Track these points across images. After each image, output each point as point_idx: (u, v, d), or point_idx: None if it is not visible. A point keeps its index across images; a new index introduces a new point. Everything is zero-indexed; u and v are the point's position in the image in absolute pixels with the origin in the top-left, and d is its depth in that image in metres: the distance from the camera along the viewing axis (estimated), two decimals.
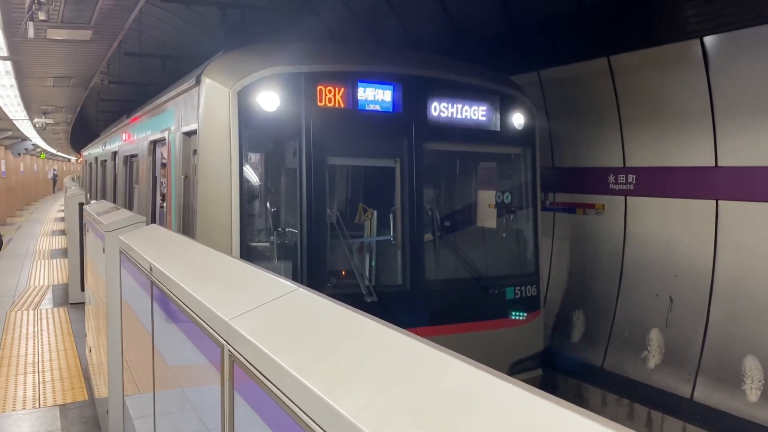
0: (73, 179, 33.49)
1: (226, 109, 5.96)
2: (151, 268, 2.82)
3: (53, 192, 58.16)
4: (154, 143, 9.37)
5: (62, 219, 27.95)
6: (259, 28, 12.84)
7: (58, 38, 7.84)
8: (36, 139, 33.74)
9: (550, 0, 8.50)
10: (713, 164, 7.01)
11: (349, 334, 1.44)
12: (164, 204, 9.21)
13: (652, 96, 7.64)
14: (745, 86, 6.59)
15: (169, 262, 2.67)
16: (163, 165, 8.98)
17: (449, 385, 1.07)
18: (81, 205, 10.99)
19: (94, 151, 21.98)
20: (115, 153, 14.74)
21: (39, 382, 7.06)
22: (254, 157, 6.49)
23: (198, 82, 6.41)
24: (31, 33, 6.66)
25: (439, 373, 1.12)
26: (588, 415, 0.86)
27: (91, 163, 23.23)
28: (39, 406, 6.38)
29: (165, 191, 8.88)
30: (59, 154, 60.35)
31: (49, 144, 42.05)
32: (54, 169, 62.82)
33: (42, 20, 6.13)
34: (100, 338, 5.51)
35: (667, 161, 7.58)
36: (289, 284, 1.91)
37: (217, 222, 6.05)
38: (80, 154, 38.63)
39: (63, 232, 22.68)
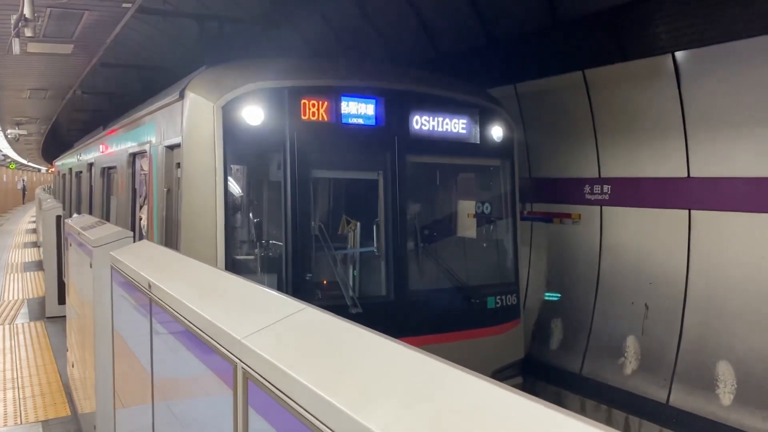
0: (45, 190, 32.96)
1: (211, 124, 6.01)
2: (150, 286, 2.87)
3: (23, 203, 57.13)
4: (134, 156, 9.34)
5: (34, 230, 27.50)
6: (237, 40, 12.87)
7: (38, 52, 7.81)
8: (7, 149, 33.16)
9: (526, 14, 8.70)
10: (686, 175, 7.23)
11: (367, 353, 1.53)
12: (143, 216, 9.19)
13: (626, 109, 7.86)
14: (715, 99, 6.82)
15: (169, 280, 2.73)
16: (143, 178, 8.96)
17: (470, 402, 1.16)
18: (59, 218, 10.89)
19: (68, 161, 21.71)
20: (91, 164, 14.60)
21: (19, 398, 6.98)
22: (239, 170, 6.53)
23: (182, 96, 6.45)
24: (16, 49, 6.64)
25: (459, 390, 1.21)
26: (604, 428, 0.96)
27: (64, 174, 22.93)
28: (21, 422, 6.32)
29: (145, 204, 8.86)
30: (30, 164, 59.34)
31: (19, 154, 41.37)
32: (23, 180, 61.73)
33: (29, 36, 6.12)
34: (85, 353, 5.50)
35: (641, 172, 7.80)
36: (297, 303, 1.99)
37: (202, 235, 6.08)
38: (52, 164, 38.05)
39: (36, 244, 22.34)
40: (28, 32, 6.00)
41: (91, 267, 4.85)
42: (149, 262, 3.30)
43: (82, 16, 6.78)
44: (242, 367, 1.81)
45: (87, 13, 6.74)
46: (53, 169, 39.83)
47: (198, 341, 2.21)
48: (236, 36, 13.05)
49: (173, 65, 16.59)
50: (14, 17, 5.95)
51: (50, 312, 10.90)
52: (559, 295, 7.66)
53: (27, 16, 5.63)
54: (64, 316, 10.74)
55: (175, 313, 2.45)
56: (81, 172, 16.80)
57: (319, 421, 1.35)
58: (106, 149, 12.19)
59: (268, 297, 2.17)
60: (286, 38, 13.27)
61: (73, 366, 6.70)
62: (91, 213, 13.63)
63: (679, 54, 7.03)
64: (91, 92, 17.88)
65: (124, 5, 6.62)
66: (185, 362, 2.48)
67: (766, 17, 6.13)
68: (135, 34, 15.25)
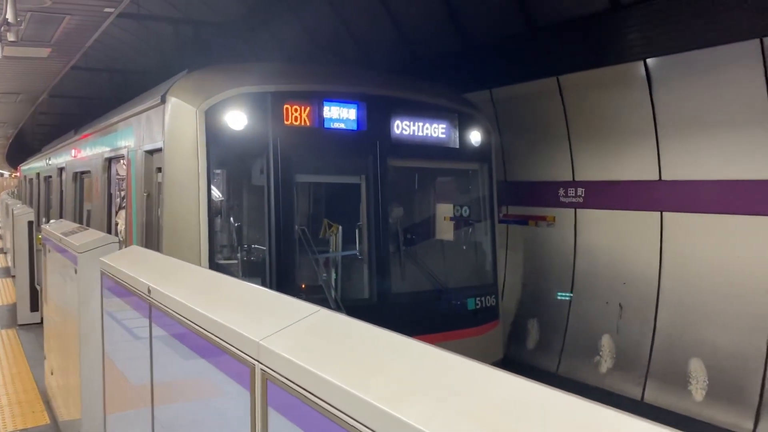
0: (10, 194, 32.24)
1: (194, 128, 6.01)
2: (149, 291, 2.89)
3: None
4: (110, 160, 9.25)
5: None
6: (214, 44, 12.83)
7: (14, 55, 7.69)
8: None
9: (501, 21, 8.87)
10: (657, 178, 7.46)
11: (392, 352, 1.60)
12: (120, 221, 9.10)
13: (599, 113, 8.07)
14: (685, 105, 7.06)
15: (171, 285, 2.76)
16: (121, 182, 8.89)
17: (502, 395, 1.25)
18: (31, 223, 10.71)
19: (36, 165, 21.30)
20: (61, 169, 14.38)
21: None
22: (222, 175, 6.54)
23: (163, 100, 6.43)
24: None
25: (489, 385, 1.29)
26: (631, 415, 1.05)
27: (31, 179, 22.49)
28: None
29: (122, 209, 8.78)
30: None
31: None
32: None
33: (11, 41, 6.03)
34: (67, 360, 5.45)
35: (614, 175, 8.01)
36: (310, 305, 2.05)
37: (185, 239, 6.07)
38: (17, 169, 37.23)
39: (2, 251, 21.85)
40: (10, 36, 5.92)
41: (75, 273, 4.82)
42: (146, 267, 3.32)
43: (62, 20, 6.71)
44: (261, 369, 1.86)
45: (68, 18, 6.68)
46: (17, 174, 38.97)
47: (207, 344, 2.25)
48: (212, 40, 13.01)
49: (146, 69, 16.43)
50: None
51: (22, 319, 10.71)
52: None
53: (9, 20, 5.56)
54: (38, 323, 10.57)
55: (181, 318, 2.48)
56: (50, 176, 16.51)
57: (352, 418, 1.41)
58: (79, 153, 12.03)
59: (279, 300, 2.22)
60: (262, 42, 13.27)
61: (52, 373, 6.62)
62: (61, 218, 13.41)
63: (650, 61, 7.25)
64: (58, 95, 17.58)
65: (106, 10, 6.58)
66: (192, 365, 2.52)
67: (727, 28, 6.38)
68: (108, 38, 15.08)
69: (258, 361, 1.88)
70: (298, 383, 1.67)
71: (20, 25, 5.98)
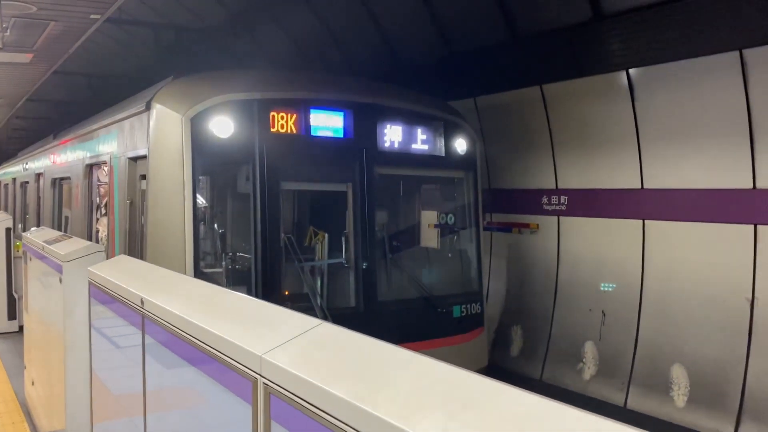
0: None
1: (179, 136, 5.97)
2: (143, 302, 2.87)
3: None
4: (91, 166, 9.15)
5: None
6: (194, 50, 12.75)
7: None
8: None
9: (486, 30, 8.95)
10: (639, 186, 7.56)
11: (397, 366, 1.61)
12: (101, 228, 9.00)
13: (582, 122, 8.16)
14: (666, 114, 7.17)
15: (165, 297, 2.74)
16: (102, 189, 8.80)
17: (513, 410, 1.26)
18: (8, 230, 10.53)
19: (11, 170, 20.98)
20: (39, 174, 14.18)
21: None
22: (207, 182, 6.50)
23: (148, 107, 6.38)
24: None
25: (499, 400, 1.30)
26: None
27: (6, 184, 22.14)
28: None
29: (103, 216, 8.69)
30: None
31: None
32: None
33: None
34: (50, 371, 5.37)
35: (596, 183, 8.10)
36: (311, 319, 2.05)
37: (170, 247, 6.02)
38: None
39: None
40: None
41: (60, 282, 4.76)
42: (137, 277, 3.29)
43: (47, 26, 6.63)
44: (263, 382, 1.86)
45: (53, 24, 6.60)
46: None
47: (206, 357, 2.24)
48: (194, 46, 12.93)
49: (126, 74, 16.28)
50: None
51: None
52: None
53: None
54: (15, 332, 10.39)
55: (178, 330, 2.47)
56: (27, 182, 16.28)
57: None
58: (58, 159, 11.88)
59: (280, 313, 2.22)
60: (245, 48, 13.22)
61: (33, 384, 6.51)
62: (39, 224, 13.22)
63: (632, 71, 7.36)
64: (38, 100, 17.35)
65: (93, 16, 6.51)
66: (188, 378, 2.50)
67: (708, 40, 6.50)
68: (88, 42, 14.94)
69: (260, 374, 1.88)
70: (303, 397, 1.67)
71: (5, 32, 5.91)
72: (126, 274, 3.41)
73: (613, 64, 7.52)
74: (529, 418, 1.22)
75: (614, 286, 7.90)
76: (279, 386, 1.78)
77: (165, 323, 2.60)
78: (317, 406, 1.60)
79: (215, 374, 2.20)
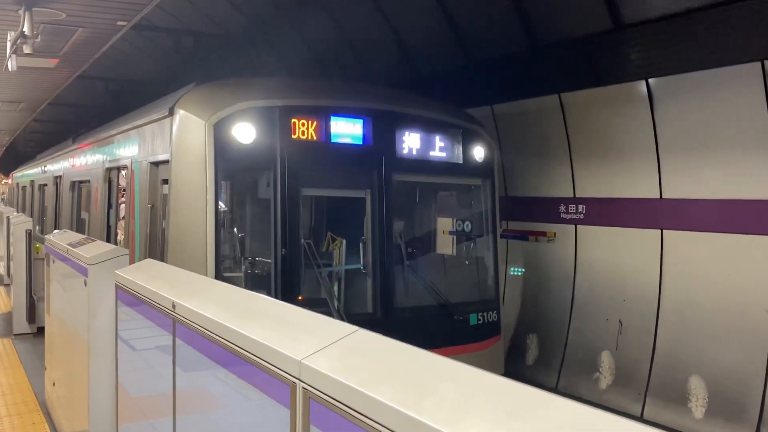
0: (1, 201, 32.03)
1: (202, 141, 6.04)
2: (174, 306, 2.92)
3: None
4: (111, 170, 9.26)
5: None
6: (213, 56, 12.86)
7: (22, 66, 7.71)
8: None
9: (504, 38, 8.98)
10: (658, 196, 7.55)
11: (440, 374, 1.63)
12: (120, 232, 9.09)
13: (600, 131, 8.16)
14: (686, 124, 7.16)
15: (197, 301, 2.78)
16: (122, 193, 8.89)
17: (559, 420, 1.28)
18: (29, 232, 10.66)
19: (30, 173, 21.23)
20: (58, 178, 14.35)
21: None
22: (229, 187, 6.57)
23: (171, 112, 6.46)
24: (13, 66, 6.55)
25: (545, 409, 1.33)
26: None
27: (24, 186, 22.40)
28: None
29: (122, 219, 8.78)
30: None
31: None
32: None
33: (27, 53, 6.06)
34: (73, 372, 5.43)
35: (615, 192, 8.10)
36: (348, 326, 2.09)
37: (191, 251, 6.09)
38: (10, 176, 37.02)
39: None
40: (26, 49, 5.95)
41: (85, 285, 4.82)
42: (167, 281, 3.34)
43: (74, 32, 6.74)
44: (303, 387, 1.89)
45: (80, 30, 6.71)
46: (9, 181, 38.74)
47: (241, 361, 2.27)
48: (213, 52, 13.04)
49: (144, 79, 16.45)
50: (12, 34, 5.89)
51: (18, 329, 10.63)
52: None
53: (26, 33, 5.59)
54: (33, 333, 10.50)
55: (211, 334, 2.51)
56: (46, 185, 16.47)
57: None
58: (78, 162, 12.02)
59: (315, 319, 2.25)
60: (263, 55, 13.32)
61: (54, 385, 6.58)
62: (57, 227, 13.37)
63: (652, 80, 7.36)
64: (56, 104, 17.56)
65: (119, 23, 6.61)
66: (222, 381, 2.54)
67: (729, 51, 6.50)
68: (110, 49, 15.13)
69: (299, 379, 1.91)
70: (344, 402, 1.70)
71: (36, 38, 6.02)
72: (155, 278, 3.46)
73: (633, 73, 7.53)
74: (576, 428, 1.24)
75: (631, 295, 7.87)
76: (319, 391, 1.81)
77: (198, 327, 2.64)
78: (359, 411, 1.63)
79: (251, 378, 2.24)
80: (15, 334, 10.59)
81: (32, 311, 10.42)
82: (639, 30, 7.29)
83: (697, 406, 6.98)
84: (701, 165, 7.08)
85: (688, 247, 7.27)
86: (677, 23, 6.85)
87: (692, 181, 7.18)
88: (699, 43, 6.77)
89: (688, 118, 7.12)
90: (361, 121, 6.62)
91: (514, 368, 9.16)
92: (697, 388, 7.00)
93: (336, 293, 6.63)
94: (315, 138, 6.38)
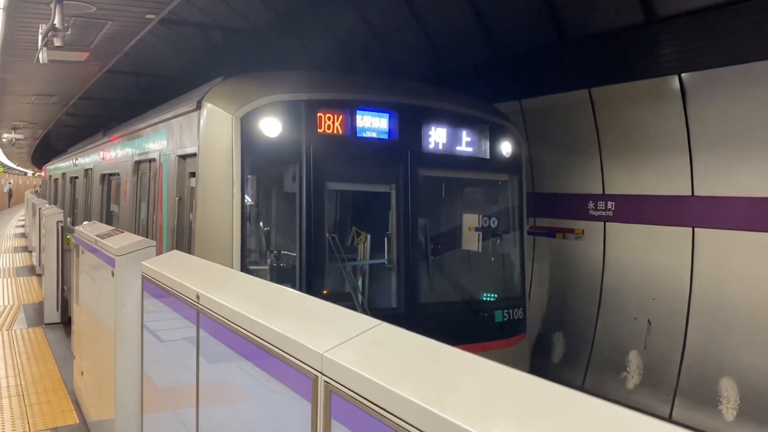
0: (34, 193, 32.71)
1: (229, 134, 6.06)
2: (198, 297, 2.92)
3: (8, 206, 56.51)
4: (140, 163, 9.36)
5: (23, 235, 27.25)
6: (241, 51, 12.92)
7: (54, 59, 7.84)
8: None
9: (533, 32, 8.86)
10: (690, 193, 7.38)
11: (464, 370, 1.60)
12: (148, 223, 9.19)
13: (631, 127, 8.01)
14: (720, 120, 6.99)
15: (221, 293, 2.78)
16: (151, 186, 8.98)
17: (588, 419, 1.24)
18: (59, 223, 10.85)
19: (61, 165, 21.61)
20: (88, 170, 14.57)
21: (26, 405, 6.95)
22: (255, 181, 6.59)
23: (199, 106, 6.50)
24: (44, 59, 6.66)
25: (574, 408, 1.28)
26: None
27: (56, 179, 22.81)
28: (29, 430, 6.29)
29: (150, 211, 8.87)
30: (17, 168, 58.84)
31: (9, 158, 41.03)
32: (9, 183, 61.16)
33: (57, 46, 6.15)
34: (100, 361, 5.50)
35: (645, 189, 7.94)
36: (370, 319, 2.06)
37: (217, 244, 6.12)
38: (43, 168, 37.79)
39: (26, 249, 22.14)
40: (57, 42, 6.03)
41: (113, 275, 4.87)
42: (192, 273, 3.34)
43: (104, 26, 6.82)
44: (324, 380, 1.87)
45: (109, 24, 6.79)
46: (41, 173, 39.56)
47: (264, 353, 2.26)
48: (241, 46, 13.11)
49: (174, 73, 16.61)
50: (44, 27, 5.99)
51: (49, 318, 10.84)
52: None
53: (57, 25, 5.66)
54: (64, 323, 10.69)
55: (233, 325, 2.50)
56: (77, 177, 16.74)
57: None
58: (108, 156, 12.19)
59: (337, 312, 2.23)
60: (290, 49, 13.35)
61: (82, 374, 6.68)
62: (88, 219, 13.59)
63: (685, 75, 7.19)
64: (88, 98, 17.83)
65: (148, 16, 6.67)
66: (244, 372, 2.53)
67: (764, 45, 6.31)
68: (138, 42, 15.32)
69: (321, 372, 1.89)
70: (366, 396, 1.67)
71: (66, 31, 6.10)
72: (180, 270, 3.47)
73: (665, 68, 7.37)
74: (607, 429, 1.20)
75: (661, 294, 7.72)
76: (341, 384, 1.79)
77: (221, 318, 2.64)
78: (381, 406, 1.60)
79: (273, 370, 2.22)
80: (46, 324, 10.80)
81: (62, 301, 10.60)
82: (672, 23, 7.13)
83: (728, 409, 6.82)
84: (735, 162, 6.90)
85: (720, 245, 7.10)
86: (711, 16, 6.68)
87: (726, 178, 7.00)
88: (733, 37, 6.59)
89: (722, 113, 6.94)
90: (387, 115, 6.58)
91: (540, 366, 9.06)
92: (729, 390, 6.85)
93: (360, 287, 6.62)
94: (341, 132, 6.36)
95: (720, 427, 6.81)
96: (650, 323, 7.85)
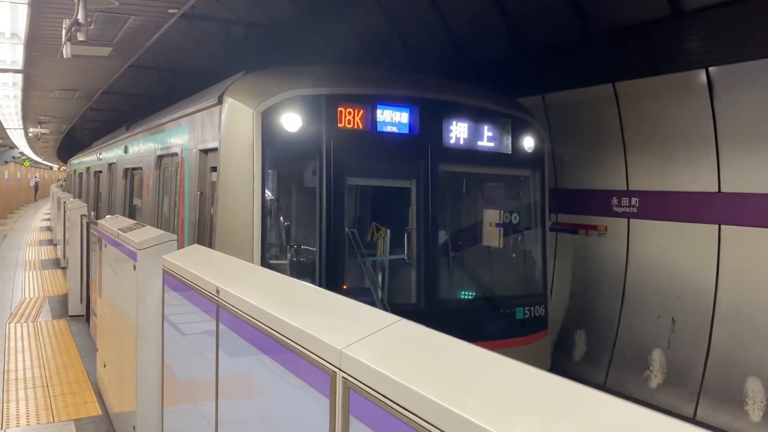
0: (59, 187, 33.19)
1: (250, 129, 6.07)
2: (218, 291, 2.92)
3: (35, 200, 57.45)
4: (162, 158, 9.42)
5: (48, 228, 27.67)
6: (262, 45, 12.95)
7: (78, 54, 7.92)
8: (24, 147, 33.41)
9: (557, 26, 8.74)
10: (716, 190, 7.24)
11: (485, 369, 1.56)
12: (170, 217, 9.25)
13: (656, 122, 7.88)
14: (748, 115, 6.84)
15: (241, 288, 2.77)
16: (173, 180, 9.04)
17: (612, 420, 1.20)
18: (84, 217, 10.97)
19: (86, 160, 21.89)
20: (111, 164, 14.73)
21: (50, 396, 7.05)
22: (276, 175, 6.59)
23: (220, 101, 6.51)
24: (68, 53, 6.74)
25: (597, 410, 1.24)
26: None
27: (81, 173, 23.11)
28: (53, 421, 6.38)
29: (172, 205, 8.93)
30: (43, 162, 59.76)
31: (35, 152, 41.69)
32: (36, 177, 62.16)
33: (80, 41, 6.22)
34: (122, 354, 5.55)
35: (670, 186, 7.81)
36: (389, 315, 2.03)
37: (238, 238, 6.14)
38: (66, 162, 38.31)
39: (51, 242, 22.46)
40: (80, 36, 6.10)
41: (134, 269, 4.90)
42: (212, 267, 3.35)
43: (126, 20, 6.87)
44: (343, 377, 1.85)
45: (132, 18, 6.84)
46: (66, 168, 40.10)
47: (282, 348, 2.25)
48: (263, 41, 13.13)
49: (196, 68, 16.71)
50: (67, 22, 6.05)
51: (73, 311, 10.98)
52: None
53: (80, 20, 5.72)
54: (84, 315, 10.83)
55: (252, 320, 2.49)
56: (101, 171, 16.94)
57: None
58: (131, 150, 12.30)
59: (356, 308, 2.21)
60: (312, 44, 13.35)
61: (105, 366, 6.76)
62: (111, 212, 13.74)
63: (712, 69, 7.05)
64: (111, 92, 18.02)
65: (170, 11, 6.70)
66: (262, 367, 2.52)
67: None
68: (160, 37, 15.43)
69: (339, 368, 1.87)
70: (385, 394, 1.64)
71: (89, 26, 6.16)
72: (200, 264, 3.48)
73: (692, 62, 7.23)
74: (623, 427, 1.16)
75: (686, 292, 7.60)
76: (359, 381, 1.77)
77: (241, 313, 2.63)
78: (400, 403, 1.57)
79: (291, 366, 2.21)
80: (70, 316, 10.94)
81: (87, 294, 10.72)
82: (699, 16, 6.99)
83: (755, 409, 6.70)
84: (763, 158, 6.75)
85: (747, 243, 6.96)
86: (739, 9, 6.54)
87: (754, 174, 6.86)
88: (762, 30, 6.44)
89: (751, 108, 6.80)
90: (407, 110, 6.54)
91: (561, 364, 8.97)
92: (755, 391, 6.72)
93: (380, 283, 6.60)
94: (361, 127, 6.33)
95: (745, 427, 6.69)
96: (674, 322, 7.73)
